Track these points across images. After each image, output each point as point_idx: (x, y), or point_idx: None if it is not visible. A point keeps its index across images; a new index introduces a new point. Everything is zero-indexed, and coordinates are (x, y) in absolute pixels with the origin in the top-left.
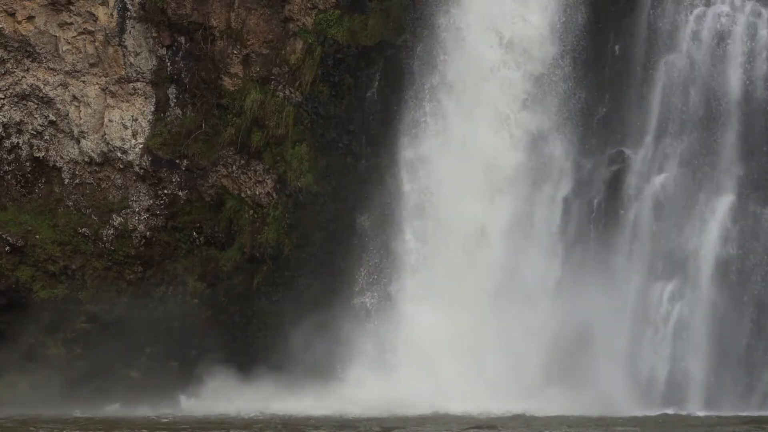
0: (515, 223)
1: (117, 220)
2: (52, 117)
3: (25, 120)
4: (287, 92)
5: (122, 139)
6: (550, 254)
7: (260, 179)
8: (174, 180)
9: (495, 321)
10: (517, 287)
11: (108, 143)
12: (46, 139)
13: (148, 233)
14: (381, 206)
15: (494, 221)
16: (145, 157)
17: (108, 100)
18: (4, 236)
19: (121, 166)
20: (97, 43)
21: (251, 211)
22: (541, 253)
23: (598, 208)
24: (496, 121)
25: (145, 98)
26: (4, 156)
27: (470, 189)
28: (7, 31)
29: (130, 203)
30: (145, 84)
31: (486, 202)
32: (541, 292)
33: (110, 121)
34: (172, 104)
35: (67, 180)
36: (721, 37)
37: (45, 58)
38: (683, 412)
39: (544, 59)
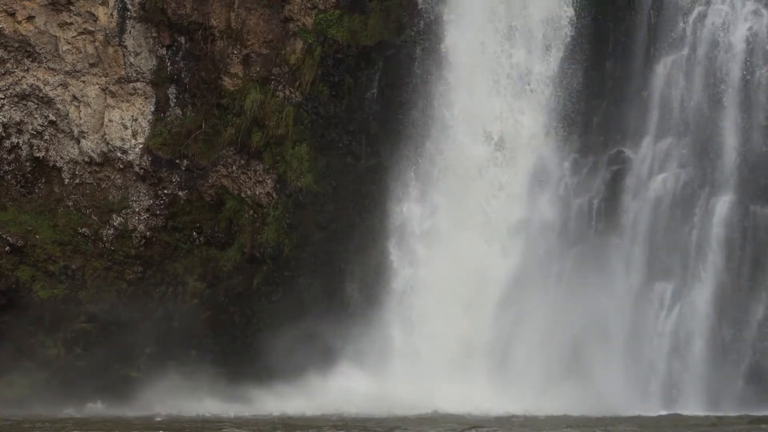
0: (504, 334)
1: (117, 220)
2: (52, 117)
3: (25, 120)
4: (287, 92)
5: (122, 139)
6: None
7: (260, 179)
8: (174, 180)
9: None
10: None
11: (108, 143)
12: (46, 139)
13: (148, 233)
14: (372, 274)
15: (482, 335)
16: (145, 157)
17: (108, 100)
18: (4, 236)
19: (121, 166)
20: (97, 43)
21: (251, 211)
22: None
23: (598, 208)
24: (486, 229)
25: (145, 98)
26: (4, 156)
27: (458, 298)
28: (7, 31)
29: (130, 203)
30: (145, 84)
31: (474, 314)
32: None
33: (110, 121)
34: (172, 104)
35: (67, 180)
36: (721, 37)
37: (45, 58)
38: (683, 412)
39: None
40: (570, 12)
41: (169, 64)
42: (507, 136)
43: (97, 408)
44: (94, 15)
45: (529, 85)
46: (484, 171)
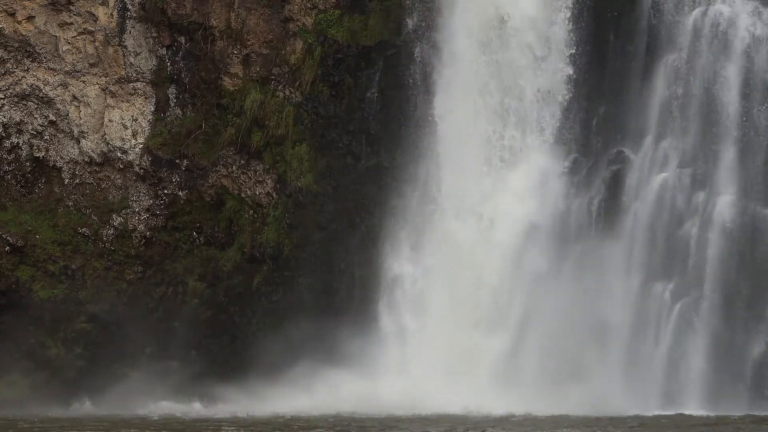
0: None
1: (117, 220)
2: (52, 117)
3: (25, 120)
4: (287, 92)
5: (122, 139)
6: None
7: (260, 179)
8: (174, 180)
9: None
10: None
11: (108, 143)
12: (46, 139)
13: (148, 233)
14: (363, 327)
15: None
16: (145, 157)
17: (108, 100)
18: (4, 236)
19: (121, 166)
20: (97, 43)
21: (251, 211)
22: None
23: (598, 208)
24: (478, 311)
25: (145, 98)
26: (4, 156)
27: (451, 373)
28: (7, 31)
29: (130, 203)
30: (145, 84)
31: (466, 386)
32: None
33: (110, 121)
34: (172, 104)
35: (67, 180)
36: (721, 37)
37: (45, 58)
38: (683, 412)
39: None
40: (569, 70)
41: (169, 64)
42: (498, 217)
43: (88, 407)
44: (94, 15)
45: (521, 152)
46: (473, 253)
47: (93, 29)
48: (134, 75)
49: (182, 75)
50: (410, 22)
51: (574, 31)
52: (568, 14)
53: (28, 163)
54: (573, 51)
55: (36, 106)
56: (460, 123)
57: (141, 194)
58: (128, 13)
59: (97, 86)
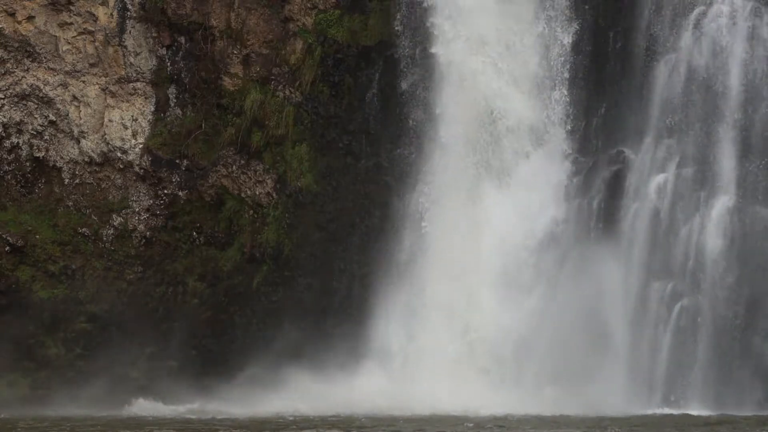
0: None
1: (117, 220)
2: (52, 117)
3: (25, 120)
4: (287, 92)
5: (122, 139)
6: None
7: (260, 179)
8: (174, 180)
9: None
10: None
11: (108, 143)
12: (46, 139)
13: (148, 233)
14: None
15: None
16: (145, 157)
17: (108, 100)
18: (4, 236)
19: (121, 166)
20: (97, 43)
21: (251, 211)
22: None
23: (598, 208)
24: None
25: (145, 98)
26: (4, 156)
27: (447, 380)
28: (7, 31)
29: (130, 203)
30: (145, 84)
31: (466, 394)
32: None
33: (110, 121)
34: (172, 104)
35: (67, 180)
36: (722, 37)
37: (45, 58)
38: (683, 412)
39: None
40: (566, 146)
41: (169, 64)
42: (485, 327)
43: (88, 407)
44: (94, 15)
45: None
46: (460, 366)
47: (93, 29)
48: (134, 75)
49: (182, 75)
50: (404, 84)
51: (571, 103)
52: (565, 91)
53: (28, 163)
54: (570, 127)
55: (36, 106)
56: (446, 221)
57: (141, 194)
58: (128, 13)
59: (97, 86)
